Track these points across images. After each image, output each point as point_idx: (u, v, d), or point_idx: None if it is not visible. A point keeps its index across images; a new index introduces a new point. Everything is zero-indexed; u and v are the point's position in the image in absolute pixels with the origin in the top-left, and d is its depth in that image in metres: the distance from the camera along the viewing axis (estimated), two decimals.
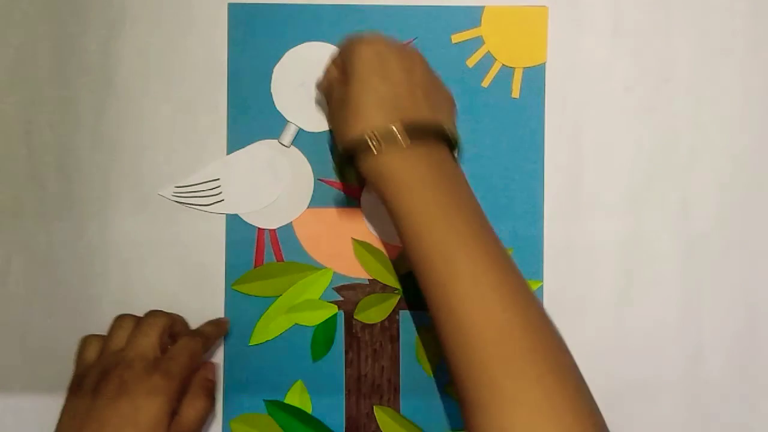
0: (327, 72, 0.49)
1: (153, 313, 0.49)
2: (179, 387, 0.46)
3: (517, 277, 0.41)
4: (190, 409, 0.46)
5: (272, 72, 0.52)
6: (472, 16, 0.52)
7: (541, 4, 0.52)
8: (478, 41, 0.52)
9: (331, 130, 0.51)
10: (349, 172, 0.44)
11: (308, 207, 0.52)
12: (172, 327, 0.49)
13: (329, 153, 0.52)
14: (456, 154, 0.45)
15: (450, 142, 0.44)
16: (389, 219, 0.51)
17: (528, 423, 0.37)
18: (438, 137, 0.43)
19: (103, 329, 0.51)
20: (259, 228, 0.52)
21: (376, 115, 0.42)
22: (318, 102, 0.52)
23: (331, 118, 0.48)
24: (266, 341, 0.52)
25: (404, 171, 0.42)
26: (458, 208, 0.41)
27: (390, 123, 0.42)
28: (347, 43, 0.46)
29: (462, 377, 0.39)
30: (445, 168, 0.43)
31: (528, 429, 0.37)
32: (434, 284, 0.40)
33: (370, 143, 0.42)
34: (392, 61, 0.44)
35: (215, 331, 0.50)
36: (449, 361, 0.40)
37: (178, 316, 0.50)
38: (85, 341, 0.49)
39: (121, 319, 0.49)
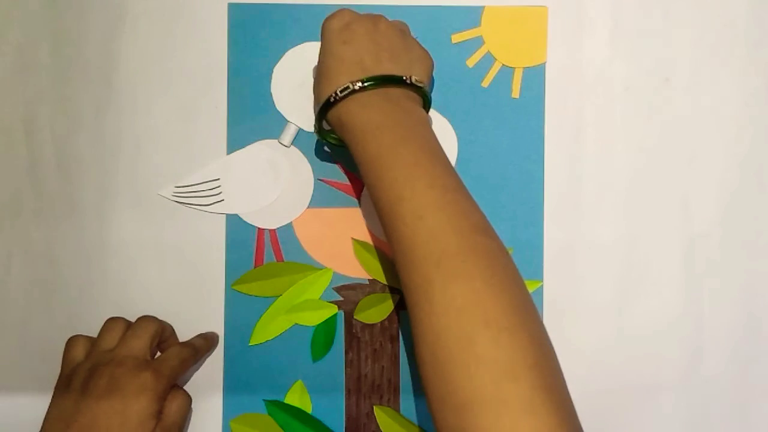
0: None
1: (145, 318, 0.49)
2: (167, 388, 0.47)
3: (460, 196, 0.41)
4: (172, 404, 0.47)
5: (272, 72, 0.52)
6: (472, 16, 0.52)
7: (541, 4, 0.52)
8: (478, 41, 0.52)
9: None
10: (325, 134, 0.47)
11: (308, 207, 0.52)
12: (162, 334, 0.49)
13: (329, 153, 0.52)
14: (424, 105, 0.46)
15: (416, 92, 0.46)
16: None
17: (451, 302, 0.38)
18: (398, 85, 0.45)
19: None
20: (259, 228, 0.52)
21: (340, 76, 0.45)
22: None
23: (313, 91, 0.50)
24: (266, 341, 0.52)
25: (357, 115, 0.44)
26: (406, 143, 0.42)
27: (350, 80, 0.44)
28: (325, 19, 0.48)
29: (404, 286, 0.40)
30: (397, 109, 0.44)
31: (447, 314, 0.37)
32: (385, 212, 0.42)
33: (331, 98, 0.44)
34: (356, 27, 0.46)
35: (205, 344, 0.51)
36: (402, 284, 0.41)
37: (168, 324, 0.51)
38: (73, 341, 0.49)
39: (112, 321, 0.49)
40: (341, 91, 0.44)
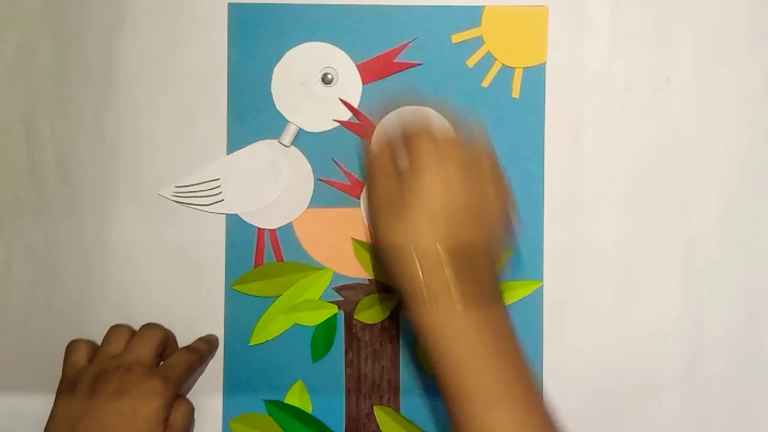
0: (377, 153, 0.46)
1: (150, 326, 0.50)
2: (175, 395, 0.47)
3: (537, 418, 0.41)
4: (178, 412, 0.47)
5: (272, 72, 0.52)
6: (472, 16, 0.52)
7: (541, 4, 0.52)
8: (478, 41, 0.52)
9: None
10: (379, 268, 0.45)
11: (308, 207, 0.52)
12: (166, 342, 0.50)
13: (329, 153, 0.52)
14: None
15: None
16: None
17: None
18: (487, 278, 0.42)
19: (102, 329, 0.51)
20: (259, 228, 0.52)
21: (425, 228, 0.41)
22: (362, 160, 0.51)
23: (374, 202, 0.45)
24: (266, 341, 0.52)
25: (451, 337, 0.41)
26: (488, 356, 0.41)
27: (437, 240, 0.41)
28: (413, 134, 0.44)
29: None
30: (494, 334, 0.41)
31: None
32: (458, 424, 0.40)
33: (423, 291, 0.41)
34: (455, 169, 0.42)
35: (207, 348, 0.51)
36: None
37: (171, 332, 0.51)
38: (74, 345, 0.49)
39: (117, 327, 0.50)
40: (422, 258, 0.40)
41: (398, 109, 0.51)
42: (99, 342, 0.50)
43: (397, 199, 0.43)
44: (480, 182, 0.43)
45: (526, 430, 0.40)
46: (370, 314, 0.52)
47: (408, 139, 0.44)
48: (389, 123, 0.49)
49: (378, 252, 0.44)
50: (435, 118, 0.49)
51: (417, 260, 0.41)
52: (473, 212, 0.42)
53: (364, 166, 0.50)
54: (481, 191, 0.43)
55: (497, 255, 0.44)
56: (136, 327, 0.51)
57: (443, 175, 0.42)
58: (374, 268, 0.52)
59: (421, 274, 0.41)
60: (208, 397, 0.51)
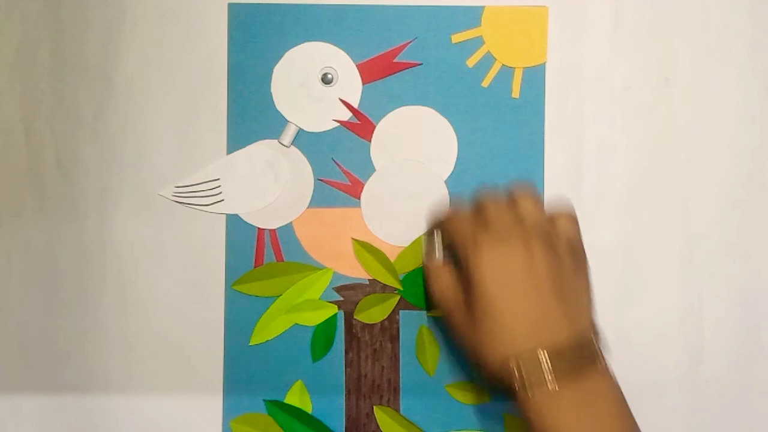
0: (441, 281, 0.46)
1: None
2: None
3: None
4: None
5: (272, 72, 0.52)
6: (472, 16, 0.52)
7: (541, 4, 0.52)
8: (478, 41, 0.52)
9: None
10: (496, 389, 0.43)
11: (308, 207, 0.52)
12: None
13: (329, 153, 0.52)
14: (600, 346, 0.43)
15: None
16: (389, 219, 0.51)
17: None
18: (584, 354, 0.41)
19: (102, 329, 0.51)
20: (259, 228, 0.52)
21: (515, 340, 0.41)
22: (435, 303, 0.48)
23: (461, 336, 0.45)
24: (266, 341, 0.52)
25: (551, 419, 0.40)
26: None
27: (533, 348, 0.40)
28: (466, 248, 0.43)
29: None
30: (593, 408, 0.41)
31: None
32: None
33: (516, 375, 0.40)
34: (510, 263, 0.42)
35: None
36: None
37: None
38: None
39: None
40: (526, 367, 0.40)
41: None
42: None
43: (478, 321, 0.42)
44: (533, 262, 0.42)
45: None
46: (370, 314, 0.52)
47: (463, 260, 0.44)
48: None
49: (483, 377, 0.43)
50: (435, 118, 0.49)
51: (517, 367, 0.40)
52: (548, 301, 0.42)
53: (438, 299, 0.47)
54: (547, 268, 0.42)
55: (591, 327, 0.43)
56: (136, 326, 0.51)
57: (505, 279, 0.42)
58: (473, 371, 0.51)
59: (522, 375, 0.40)
60: (208, 397, 0.51)
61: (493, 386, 0.43)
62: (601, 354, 0.42)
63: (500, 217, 0.44)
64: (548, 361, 0.40)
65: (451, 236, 0.46)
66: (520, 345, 0.41)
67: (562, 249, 0.44)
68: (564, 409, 0.40)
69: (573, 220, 0.46)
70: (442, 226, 0.49)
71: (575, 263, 0.44)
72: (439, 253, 0.48)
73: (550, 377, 0.40)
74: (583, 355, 0.41)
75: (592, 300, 0.45)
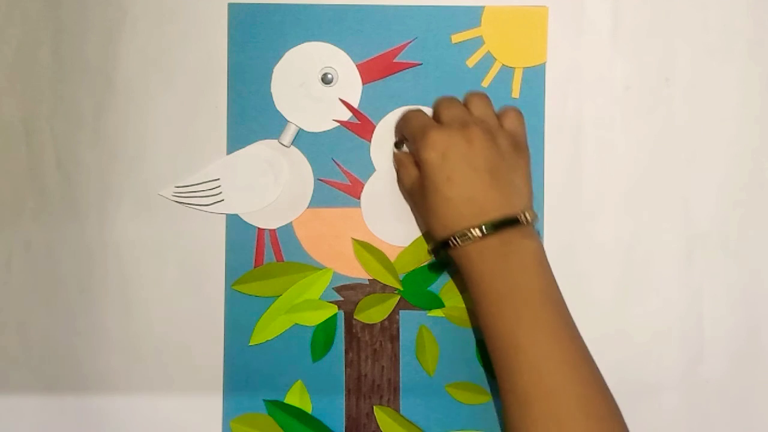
0: (404, 168, 0.50)
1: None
2: None
3: (576, 348, 0.44)
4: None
5: (272, 72, 0.52)
6: (472, 16, 0.52)
7: (541, 4, 0.52)
8: (478, 41, 0.52)
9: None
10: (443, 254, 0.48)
11: (308, 207, 0.52)
12: None
13: (329, 153, 0.52)
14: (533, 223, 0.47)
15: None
16: (389, 219, 0.51)
17: None
18: (517, 229, 0.45)
19: (102, 329, 0.51)
20: (259, 228, 0.52)
21: (453, 220, 0.45)
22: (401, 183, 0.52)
23: (419, 212, 0.51)
24: (266, 341, 0.52)
25: (475, 264, 0.45)
26: (523, 292, 0.44)
27: (465, 226, 0.45)
28: (416, 140, 0.47)
29: (515, 428, 0.43)
30: (514, 254, 0.45)
31: None
32: (500, 361, 0.44)
33: (450, 242, 0.46)
34: (452, 155, 0.46)
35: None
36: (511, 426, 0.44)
37: None
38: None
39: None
40: (460, 238, 0.45)
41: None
42: None
43: (427, 206, 0.47)
44: (473, 151, 0.46)
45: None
46: (370, 314, 0.52)
47: (414, 145, 0.48)
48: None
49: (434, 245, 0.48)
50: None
51: (453, 240, 0.46)
52: (485, 186, 0.46)
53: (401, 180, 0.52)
54: (485, 157, 0.46)
55: (527, 212, 0.46)
56: (136, 326, 0.51)
57: (445, 168, 0.46)
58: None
59: (457, 243, 0.46)
60: (208, 397, 0.51)
61: (438, 249, 0.47)
62: (535, 233, 0.46)
63: (448, 111, 0.48)
64: (477, 230, 0.45)
65: (407, 129, 0.49)
66: (455, 224, 0.45)
67: (502, 139, 0.47)
68: (487, 257, 0.45)
69: (518, 115, 0.49)
70: (399, 123, 0.51)
71: (515, 153, 0.47)
72: (405, 147, 0.52)
73: (473, 235, 0.45)
74: (515, 230, 0.45)
75: (529, 188, 0.48)
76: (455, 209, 0.45)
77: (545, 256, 0.46)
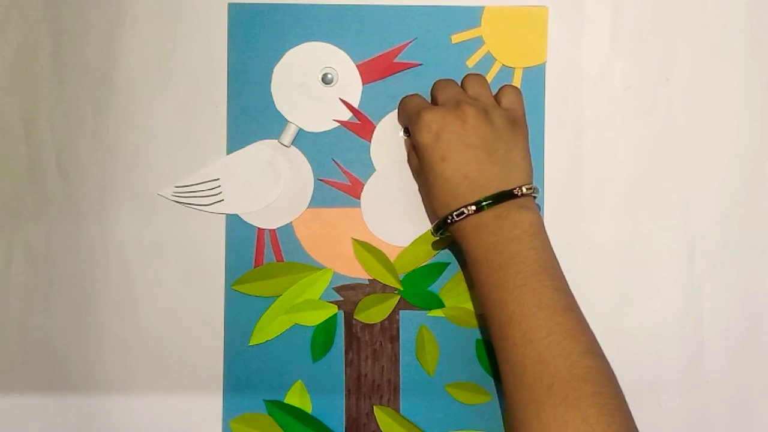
0: (409, 153, 0.51)
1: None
2: None
3: (569, 317, 0.43)
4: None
5: (272, 72, 0.52)
6: (472, 16, 0.52)
7: (541, 4, 0.52)
8: (478, 41, 0.52)
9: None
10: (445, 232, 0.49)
11: (308, 207, 0.52)
12: None
13: (329, 153, 0.52)
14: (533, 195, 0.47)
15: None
16: (389, 219, 0.51)
17: None
18: (510, 198, 0.45)
19: (102, 329, 0.51)
20: (259, 228, 0.52)
21: (449, 197, 0.46)
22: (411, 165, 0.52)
23: (422, 195, 0.52)
24: (266, 341, 0.52)
25: (470, 237, 0.46)
26: (516, 264, 0.44)
27: (462, 203, 0.45)
28: (411, 123, 0.48)
29: (512, 402, 0.43)
30: (508, 226, 0.45)
31: None
32: (495, 332, 0.44)
33: (448, 219, 0.46)
34: (446, 135, 0.46)
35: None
36: (508, 399, 0.43)
37: None
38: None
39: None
40: (457, 215, 0.45)
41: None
42: None
43: (426, 187, 0.48)
44: (465, 129, 0.46)
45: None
46: (370, 314, 0.52)
47: (410, 128, 0.49)
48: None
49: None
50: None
51: (451, 218, 0.46)
52: (480, 162, 0.46)
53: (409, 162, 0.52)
54: (479, 135, 0.46)
55: (525, 187, 0.46)
56: (136, 326, 0.51)
57: (439, 148, 0.46)
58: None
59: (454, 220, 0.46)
60: (208, 397, 0.51)
61: (440, 227, 0.48)
62: (533, 206, 0.46)
63: (442, 93, 0.49)
64: (473, 209, 0.45)
65: (404, 114, 0.50)
66: (453, 202, 0.46)
67: (497, 116, 0.47)
68: (482, 230, 0.45)
69: (514, 91, 0.49)
70: (398, 109, 0.52)
71: (511, 129, 0.47)
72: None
73: (473, 209, 0.45)
74: (512, 203, 0.46)
75: (528, 162, 0.48)
76: (452, 188, 0.46)
77: (542, 228, 0.45)
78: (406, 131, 0.52)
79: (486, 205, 0.45)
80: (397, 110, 0.52)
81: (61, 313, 0.52)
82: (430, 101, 0.50)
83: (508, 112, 0.48)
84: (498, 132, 0.47)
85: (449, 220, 0.46)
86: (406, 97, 0.51)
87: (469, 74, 0.50)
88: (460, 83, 0.50)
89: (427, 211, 0.52)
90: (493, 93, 0.50)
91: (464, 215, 0.45)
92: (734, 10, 0.52)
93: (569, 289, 0.44)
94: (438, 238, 0.50)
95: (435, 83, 0.50)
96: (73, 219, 0.52)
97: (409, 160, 0.52)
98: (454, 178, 0.46)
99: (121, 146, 0.52)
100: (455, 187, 0.46)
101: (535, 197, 0.47)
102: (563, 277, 0.45)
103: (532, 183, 0.47)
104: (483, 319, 0.52)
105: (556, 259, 0.45)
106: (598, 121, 0.52)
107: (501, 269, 0.44)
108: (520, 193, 0.45)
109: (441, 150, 0.46)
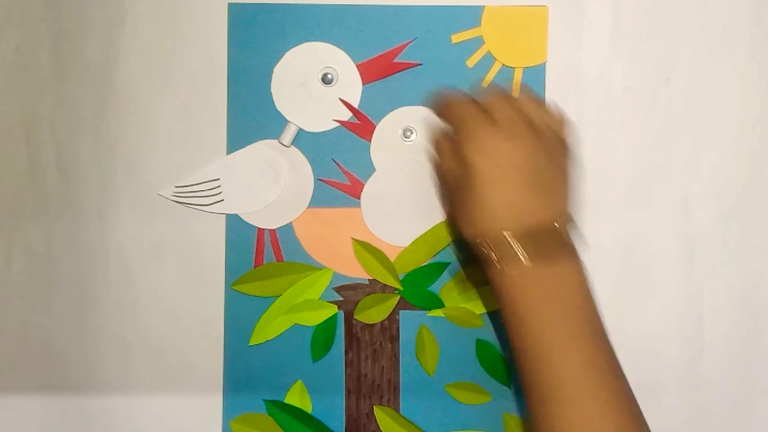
0: (443, 157, 0.49)
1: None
2: None
3: (613, 381, 0.43)
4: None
5: (272, 72, 0.52)
6: (472, 16, 0.52)
7: (541, 4, 0.52)
8: (478, 41, 0.52)
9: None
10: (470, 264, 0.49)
11: (308, 207, 0.52)
12: None
13: (329, 153, 0.52)
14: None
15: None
16: (389, 219, 0.51)
17: None
18: (555, 240, 0.44)
19: (102, 329, 0.51)
20: (259, 228, 0.52)
21: (487, 223, 0.44)
22: (432, 163, 0.51)
23: (447, 200, 0.51)
24: (266, 341, 0.52)
25: (520, 296, 0.44)
26: (562, 320, 0.43)
27: (499, 229, 0.43)
28: (462, 136, 0.46)
29: None
30: (561, 293, 0.44)
31: None
32: (533, 390, 0.43)
33: (490, 255, 0.44)
34: (506, 169, 0.44)
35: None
36: None
37: None
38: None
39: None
40: (493, 244, 0.43)
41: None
42: None
43: (465, 200, 0.45)
44: (545, 152, 0.45)
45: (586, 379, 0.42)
46: (370, 314, 0.52)
47: (460, 138, 0.47)
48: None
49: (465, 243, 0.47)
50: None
51: (488, 246, 0.44)
52: (537, 188, 0.44)
53: (437, 167, 0.51)
54: (546, 162, 0.45)
55: (565, 218, 0.45)
56: (136, 326, 0.51)
57: (494, 170, 0.44)
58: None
59: (494, 255, 0.44)
60: (208, 397, 0.51)
61: (477, 257, 0.45)
62: (574, 246, 0.45)
63: (501, 111, 0.46)
64: (516, 242, 0.43)
65: (452, 118, 0.48)
66: (488, 225, 0.44)
67: (549, 145, 0.46)
68: (532, 288, 0.43)
69: (567, 122, 0.48)
70: (444, 108, 0.50)
71: (560, 159, 0.46)
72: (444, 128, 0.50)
73: (522, 254, 0.43)
74: (554, 241, 0.44)
75: (570, 194, 0.47)
76: (492, 211, 0.44)
77: (585, 276, 0.45)
78: (407, 132, 0.52)
79: (524, 236, 0.43)
80: (436, 102, 0.50)
81: (61, 313, 0.52)
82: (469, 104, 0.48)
83: (564, 143, 0.47)
84: (555, 164, 0.46)
85: (485, 249, 0.44)
86: (456, 101, 0.49)
87: (528, 95, 0.48)
88: (510, 93, 0.48)
89: (448, 216, 0.51)
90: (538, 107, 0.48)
91: (501, 242, 0.43)
92: (734, 10, 0.52)
93: (612, 349, 0.44)
94: (441, 250, 0.50)
95: (491, 95, 0.47)
96: (73, 219, 0.52)
97: (439, 162, 0.50)
98: (497, 203, 0.44)
99: (121, 146, 0.52)
100: (496, 211, 0.44)
101: (570, 230, 0.45)
102: (607, 337, 0.44)
103: (572, 217, 0.46)
104: (483, 320, 0.52)
105: (600, 319, 0.45)
106: (598, 121, 0.52)
107: (546, 330, 0.43)
108: (561, 228, 0.44)
109: (493, 176, 0.44)
